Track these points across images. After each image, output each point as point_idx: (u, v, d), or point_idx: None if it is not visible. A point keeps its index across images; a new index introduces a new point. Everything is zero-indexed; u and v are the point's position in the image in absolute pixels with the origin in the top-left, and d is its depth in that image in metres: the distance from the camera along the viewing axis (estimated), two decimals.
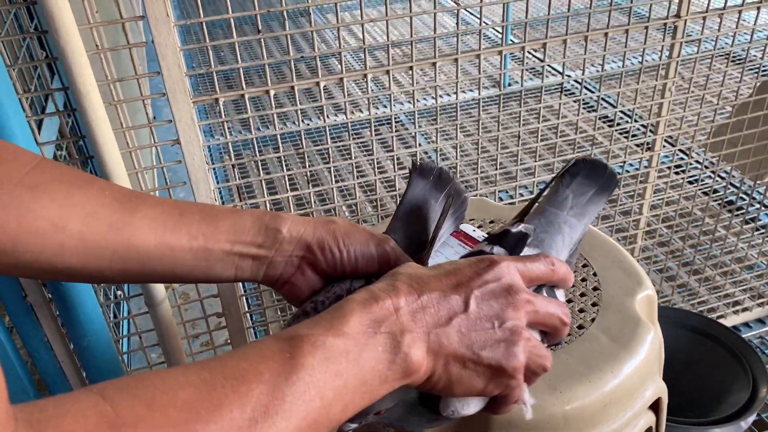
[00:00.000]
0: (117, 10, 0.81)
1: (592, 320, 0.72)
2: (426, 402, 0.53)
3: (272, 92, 0.88)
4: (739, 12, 1.07)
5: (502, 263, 0.50)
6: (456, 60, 0.95)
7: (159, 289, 0.93)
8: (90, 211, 0.52)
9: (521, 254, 0.56)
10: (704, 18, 1.05)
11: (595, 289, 0.77)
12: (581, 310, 0.74)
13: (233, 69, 0.81)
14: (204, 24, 0.83)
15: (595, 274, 0.79)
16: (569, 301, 0.75)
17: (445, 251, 0.84)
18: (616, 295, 0.75)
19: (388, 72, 0.93)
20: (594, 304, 0.74)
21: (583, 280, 0.78)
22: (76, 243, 0.52)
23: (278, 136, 0.92)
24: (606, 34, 1.00)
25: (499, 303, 0.49)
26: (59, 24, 0.72)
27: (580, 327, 0.72)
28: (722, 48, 1.21)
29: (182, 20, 0.80)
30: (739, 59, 2.28)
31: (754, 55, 2.13)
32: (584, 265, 0.80)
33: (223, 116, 0.90)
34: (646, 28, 1.01)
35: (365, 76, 0.92)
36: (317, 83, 0.90)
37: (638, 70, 1.09)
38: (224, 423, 0.36)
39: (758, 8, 1.07)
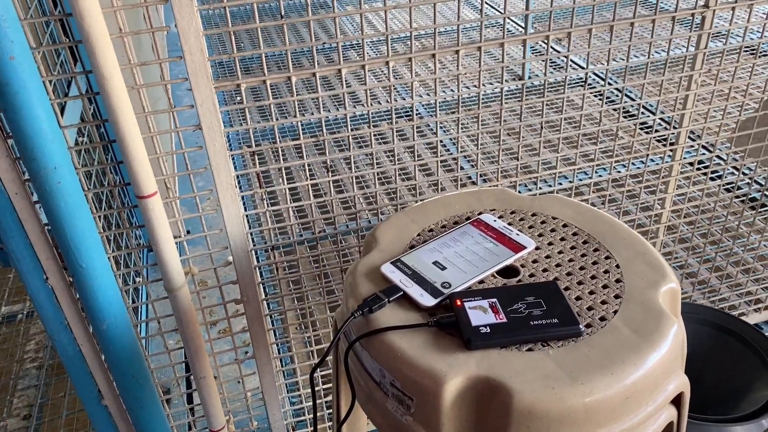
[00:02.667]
0: None
1: (615, 312, 0.71)
2: None
3: (294, 79, 0.88)
4: None
5: None
6: (479, 48, 0.94)
7: (178, 274, 0.94)
8: None
9: None
10: (733, 9, 1.03)
11: (617, 281, 0.76)
12: (603, 302, 0.73)
13: (252, 59, 0.80)
14: (227, 11, 0.82)
15: (617, 266, 0.78)
16: (591, 292, 0.74)
17: (465, 240, 0.83)
18: (640, 288, 0.74)
19: (410, 59, 0.92)
20: (617, 296, 0.73)
21: (606, 272, 0.77)
22: None
23: (299, 125, 0.92)
24: (632, 24, 0.98)
25: None
26: (83, 7, 0.72)
27: (602, 319, 0.71)
28: (750, 40, 1.19)
29: (205, 5, 0.80)
30: (763, 54, 2.25)
31: None
32: (607, 257, 0.79)
33: (244, 104, 0.89)
34: (674, 18, 1.00)
35: (387, 63, 0.91)
36: (339, 70, 0.90)
37: (662, 64, 1.08)
38: None
39: None
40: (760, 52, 1.55)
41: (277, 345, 1.55)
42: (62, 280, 0.90)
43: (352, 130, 0.97)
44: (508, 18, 3.40)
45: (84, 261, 0.85)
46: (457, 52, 0.93)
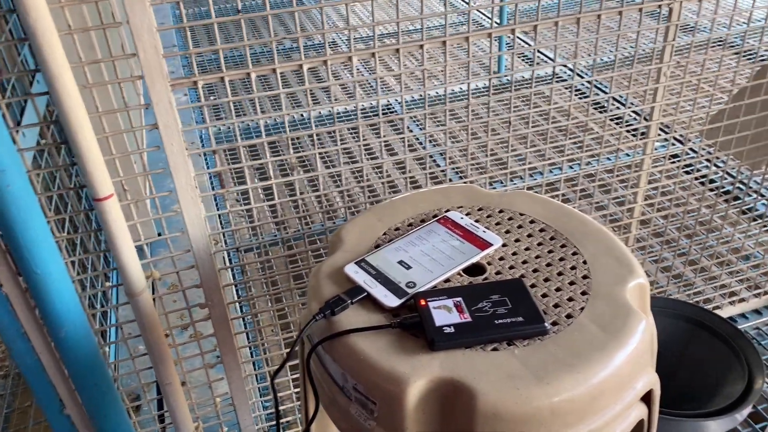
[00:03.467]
0: None
1: (581, 309, 0.70)
2: None
3: (253, 76, 0.86)
4: None
5: None
6: (444, 42, 0.92)
7: (139, 279, 0.91)
8: None
9: None
10: (700, 0, 1.02)
11: (584, 277, 0.74)
12: (570, 299, 0.71)
13: (232, 55, 0.78)
14: (181, 6, 0.80)
15: (585, 262, 0.76)
16: (558, 289, 0.73)
17: (432, 239, 0.81)
18: (607, 284, 0.73)
19: (373, 54, 0.90)
20: (584, 293, 0.72)
21: (573, 268, 0.76)
22: None
23: (261, 123, 0.90)
24: (599, 17, 0.97)
25: None
26: (28, 3, 0.69)
27: (568, 316, 0.69)
28: (718, 32, 1.18)
29: (158, 1, 0.77)
30: (735, 46, 2.26)
31: (751, 43, 2.11)
32: (574, 253, 0.78)
33: (202, 101, 0.87)
34: (641, 9, 0.99)
35: (350, 58, 0.89)
36: (300, 66, 0.87)
37: (632, 57, 1.07)
38: None
39: None
40: (729, 44, 1.55)
41: (250, 348, 1.52)
42: (17, 286, 0.87)
43: (319, 127, 0.94)
44: (480, 12, 3.40)
45: (39, 266, 0.82)
46: (421, 46, 0.91)
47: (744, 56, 1.30)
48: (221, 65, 0.85)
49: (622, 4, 0.98)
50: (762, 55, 1.93)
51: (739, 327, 1.57)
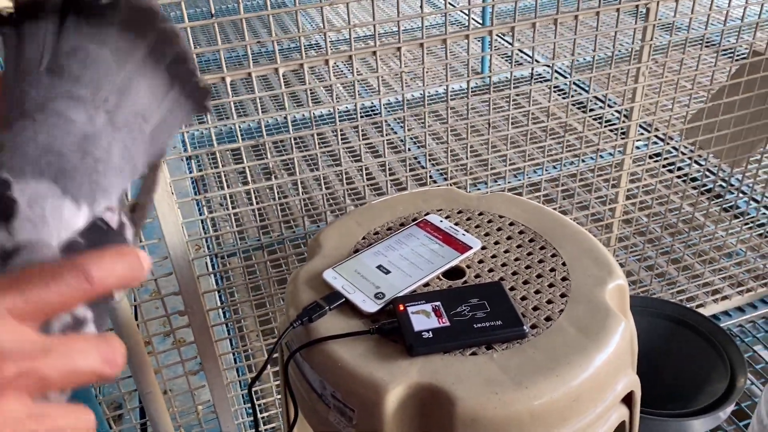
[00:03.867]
0: None
1: (561, 311, 0.69)
2: None
3: (228, 80, 0.85)
4: None
5: None
6: (422, 45, 0.91)
7: None
8: None
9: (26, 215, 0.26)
10: (677, 1, 1.02)
11: (564, 279, 0.74)
12: (549, 301, 0.71)
13: (215, 59, 0.77)
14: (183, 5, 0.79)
15: (564, 264, 0.76)
16: (537, 291, 0.72)
17: (411, 242, 0.81)
18: (586, 285, 0.73)
19: (351, 57, 0.89)
20: (563, 295, 0.72)
21: (552, 270, 0.75)
22: None
23: (236, 127, 0.89)
24: (576, 17, 0.97)
25: None
26: None
27: (548, 319, 0.69)
28: (696, 31, 1.19)
29: None
30: (713, 44, 2.27)
31: (728, 41, 2.11)
32: (553, 255, 0.78)
33: None
34: (618, 10, 0.99)
35: (327, 62, 0.88)
36: (276, 69, 0.87)
37: (612, 57, 1.07)
38: None
39: None
40: (707, 43, 1.56)
41: (234, 354, 1.51)
42: None
43: (302, 129, 0.94)
44: (463, 13, 3.40)
45: None
46: (398, 49, 0.90)
47: (723, 54, 1.30)
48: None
49: (599, 4, 0.98)
50: (740, 54, 1.95)
51: (723, 324, 1.58)
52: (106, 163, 0.26)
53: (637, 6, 0.99)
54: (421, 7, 0.90)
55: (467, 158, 1.09)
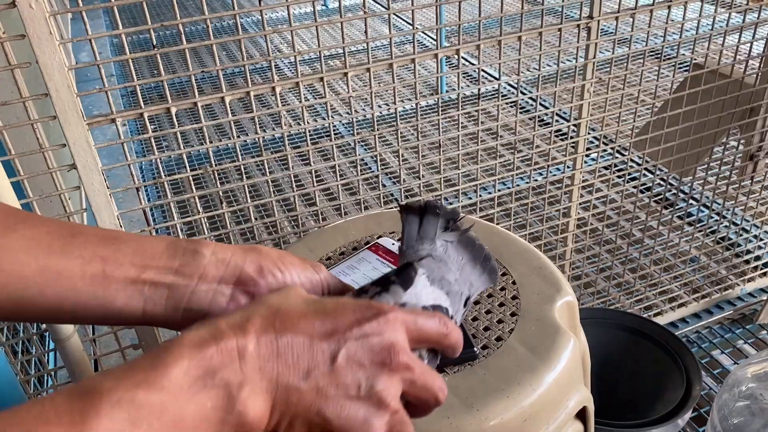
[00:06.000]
0: None
1: (511, 331, 0.70)
2: None
3: (174, 110, 0.84)
4: (651, 11, 1.07)
5: (390, 315, 0.42)
6: (391, 65, 0.92)
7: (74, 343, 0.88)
8: None
9: (420, 290, 0.48)
10: (617, 18, 1.05)
11: (514, 297, 0.74)
12: (500, 321, 0.71)
13: (181, 82, 0.76)
14: (125, 39, 0.78)
15: (514, 283, 0.77)
16: (488, 311, 0.73)
17: (362, 267, 0.81)
18: (535, 303, 0.73)
19: (322, 79, 0.90)
20: (513, 314, 0.72)
21: (502, 289, 0.76)
22: None
23: (185, 156, 0.88)
24: (520, 38, 0.99)
25: (373, 363, 0.40)
26: None
27: (498, 339, 0.69)
28: (638, 48, 1.22)
29: (67, 39, 0.75)
30: (658, 57, 2.33)
31: (671, 52, 2.18)
32: (504, 274, 0.78)
33: (120, 138, 0.85)
34: (560, 30, 1.01)
35: (297, 84, 0.88)
36: (222, 98, 0.86)
37: (557, 73, 1.09)
38: None
39: (669, 7, 1.07)
40: (650, 54, 1.60)
41: None
42: None
43: (256, 155, 0.93)
44: (423, 33, 3.44)
45: None
46: (368, 69, 0.91)
47: (665, 67, 1.34)
48: (139, 101, 0.83)
49: (542, 22, 1.00)
50: (681, 64, 1.99)
51: (681, 331, 1.61)
52: (457, 296, 0.51)
53: (578, 26, 1.02)
54: (389, 29, 0.90)
55: (420, 178, 1.10)
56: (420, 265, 0.49)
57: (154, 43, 0.79)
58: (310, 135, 2.42)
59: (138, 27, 0.78)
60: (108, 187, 0.84)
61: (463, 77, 3.07)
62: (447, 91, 2.80)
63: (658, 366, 1.19)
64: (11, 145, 0.79)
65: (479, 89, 1.01)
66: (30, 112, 0.82)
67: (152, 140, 0.86)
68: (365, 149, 2.46)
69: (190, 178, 0.90)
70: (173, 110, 0.84)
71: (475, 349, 0.67)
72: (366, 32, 0.88)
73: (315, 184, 1.12)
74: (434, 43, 3.19)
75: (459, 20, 0.92)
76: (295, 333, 0.39)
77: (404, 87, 2.80)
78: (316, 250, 0.86)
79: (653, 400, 1.16)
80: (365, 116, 2.64)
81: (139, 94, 0.82)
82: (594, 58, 1.05)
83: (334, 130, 0.98)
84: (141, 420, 0.33)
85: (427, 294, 0.48)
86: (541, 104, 2.52)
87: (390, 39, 0.89)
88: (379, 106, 2.71)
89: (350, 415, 0.39)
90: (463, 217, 0.56)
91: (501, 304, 0.74)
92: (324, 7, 4.42)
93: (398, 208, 0.56)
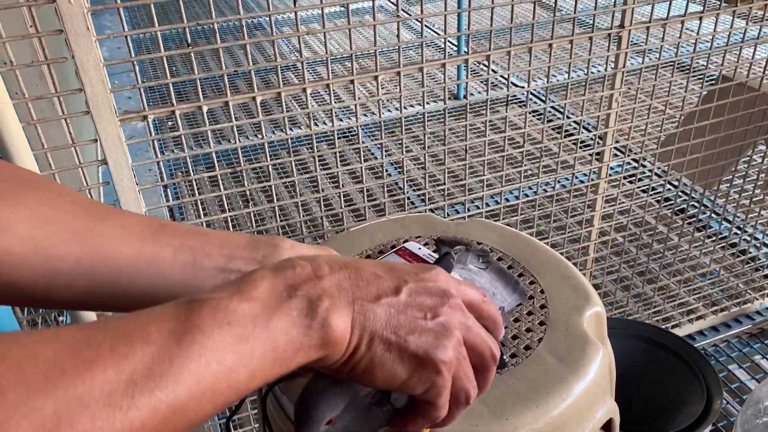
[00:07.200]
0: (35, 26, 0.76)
1: (540, 340, 0.69)
2: (380, 401, 0.47)
3: (204, 108, 0.84)
4: (682, 22, 1.07)
5: (439, 271, 0.46)
6: (398, 73, 0.92)
7: (89, 320, 0.88)
8: (46, 214, 0.44)
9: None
10: (648, 28, 1.04)
11: (542, 307, 0.74)
12: (528, 330, 0.71)
13: (186, 84, 0.76)
14: (159, 36, 0.78)
15: (542, 291, 0.76)
16: (516, 320, 0.73)
17: None
18: (564, 313, 0.73)
19: (328, 86, 0.90)
20: (541, 323, 0.72)
21: (531, 297, 0.75)
22: (27, 250, 0.43)
23: (213, 154, 0.88)
24: (550, 45, 0.99)
25: (433, 300, 0.44)
26: None
27: (527, 348, 0.69)
28: (667, 58, 1.21)
29: (104, 34, 0.75)
30: (686, 69, 2.31)
31: (700, 64, 2.16)
32: (531, 282, 0.78)
33: (155, 133, 0.85)
34: (591, 38, 1.00)
35: (305, 90, 0.88)
36: (253, 98, 0.86)
37: (586, 81, 1.08)
38: (94, 382, 0.31)
39: (700, 18, 1.07)
40: (679, 66, 1.59)
41: None
42: None
43: (280, 151, 0.93)
44: (439, 39, 3.43)
45: None
46: (375, 77, 0.91)
47: (694, 77, 1.34)
48: (171, 98, 0.84)
49: (573, 30, 0.99)
50: (710, 77, 1.98)
51: (698, 344, 1.60)
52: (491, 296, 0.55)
53: (609, 35, 1.01)
54: (398, 36, 0.91)
55: (445, 182, 1.09)
56: (455, 261, 0.53)
57: (189, 41, 0.79)
58: (327, 137, 2.42)
59: (173, 25, 0.78)
60: (137, 184, 0.84)
61: (483, 83, 3.06)
62: (465, 96, 2.80)
63: (677, 378, 1.18)
64: (44, 140, 0.79)
65: (507, 96, 1.00)
66: (56, 107, 0.83)
67: (183, 138, 0.86)
68: (381, 152, 2.46)
69: (221, 175, 0.90)
70: (204, 108, 0.84)
71: (504, 357, 0.66)
72: (398, 36, 0.88)
73: (344, 186, 1.12)
74: (453, 48, 3.19)
75: (491, 26, 0.92)
76: (360, 269, 0.42)
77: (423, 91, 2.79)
78: (342, 253, 0.85)
79: (672, 413, 1.15)
80: (390, 119, 2.64)
81: (172, 91, 0.83)
82: (623, 67, 1.05)
83: (351, 133, 0.98)
84: (237, 321, 0.36)
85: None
86: (560, 111, 2.51)
87: (422, 44, 0.89)
88: (405, 108, 2.70)
89: (422, 335, 0.42)
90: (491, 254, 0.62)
91: (529, 313, 0.73)
92: (343, 9, 4.43)
93: (434, 240, 0.62)
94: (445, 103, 0.96)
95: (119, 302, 0.47)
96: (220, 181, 0.91)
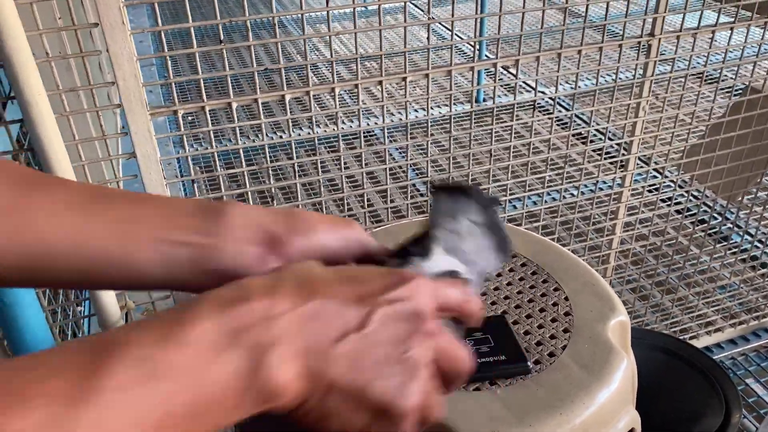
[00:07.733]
0: (70, 18, 0.77)
1: (564, 347, 0.69)
2: None
3: (234, 105, 0.85)
4: (713, 32, 1.06)
5: (414, 281, 0.40)
6: (427, 75, 0.92)
7: (113, 310, 0.89)
8: None
9: (437, 259, 0.47)
10: (678, 37, 1.04)
11: (566, 314, 0.74)
12: (552, 336, 0.71)
13: (212, 80, 0.77)
14: (193, 32, 0.79)
15: (566, 298, 0.76)
16: (540, 326, 0.72)
17: None
18: (589, 321, 0.73)
19: (356, 86, 0.90)
20: (566, 330, 0.72)
21: (555, 304, 0.75)
22: None
23: (240, 150, 0.89)
24: (579, 52, 0.98)
25: (404, 327, 0.39)
26: (4, 27, 0.67)
27: (551, 354, 0.69)
28: (695, 67, 1.20)
29: (138, 29, 0.76)
30: (712, 79, 2.29)
31: (727, 76, 2.13)
32: (555, 289, 0.78)
33: (190, 128, 0.86)
34: (620, 46, 1.00)
35: (333, 90, 0.88)
36: (283, 96, 0.87)
37: (613, 89, 1.08)
38: None
39: (731, 29, 1.06)
40: (706, 78, 1.57)
41: None
42: None
43: (299, 151, 0.94)
44: (460, 41, 3.43)
45: (7, 296, 0.80)
46: (404, 79, 0.91)
47: (721, 90, 1.32)
48: (202, 94, 0.84)
49: (603, 37, 0.99)
50: (737, 89, 1.97)
51: (715, 357, 1.58)
52: (473, 265, 0.49)
53: (639, 42, 1.01)
54: (428, 39, 0.91)
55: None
56: (437, 232, 0.48)
57: (222, 38, 0.80)
58: (346, 139, 2.42)
59: (207, 21, 0.79)
60: (165, 178, 0.85)
61: (504, 88, 3.05)
62: (485, 100, 2.79)
63: (696, 391, 1.17)
64: (75, 131, 0.80)
65: (534, 102, 1.00)
66: (82, 100, 0.83)
67: (211, 134, 0.86)
68: (401, 155, 2.46)
69: (247, 173, 0.91)
70: (234, 105, 0.85)
71: (529, 363, 0.66)
72: (428, 38, 0.88)
73: (367, 185, 1.12)
74: (474, 51, 3.18)
75: (521, 31, 0.92)
76: (325, 297, 0.37)
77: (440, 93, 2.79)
78: None
79: (689, 425, 1.14)
80: (416, 119, 2.64)
81: (203, 88, 0.83)
82: (652, 76, 1.04)
83: (371, 134, 0.98)
84: (158, 377, 0.31)
85: (444, 261, 0.48)
86: (581, 118, 2.50)
87: (451, 47, 0.89)
88: (431, 109, 2.71)
89: (386, 381, 0.38)
90: (496, 203, 0.56)
91: (553, 320, 0.73)
92: (364, 9, 4.43)
93: (430, 185, 0.55)
94: (471, 107, 0.96)
95: (52, 280, 0.44)
96: (246, 178, 0.91)
